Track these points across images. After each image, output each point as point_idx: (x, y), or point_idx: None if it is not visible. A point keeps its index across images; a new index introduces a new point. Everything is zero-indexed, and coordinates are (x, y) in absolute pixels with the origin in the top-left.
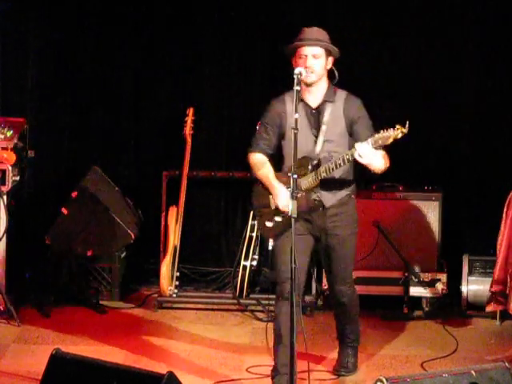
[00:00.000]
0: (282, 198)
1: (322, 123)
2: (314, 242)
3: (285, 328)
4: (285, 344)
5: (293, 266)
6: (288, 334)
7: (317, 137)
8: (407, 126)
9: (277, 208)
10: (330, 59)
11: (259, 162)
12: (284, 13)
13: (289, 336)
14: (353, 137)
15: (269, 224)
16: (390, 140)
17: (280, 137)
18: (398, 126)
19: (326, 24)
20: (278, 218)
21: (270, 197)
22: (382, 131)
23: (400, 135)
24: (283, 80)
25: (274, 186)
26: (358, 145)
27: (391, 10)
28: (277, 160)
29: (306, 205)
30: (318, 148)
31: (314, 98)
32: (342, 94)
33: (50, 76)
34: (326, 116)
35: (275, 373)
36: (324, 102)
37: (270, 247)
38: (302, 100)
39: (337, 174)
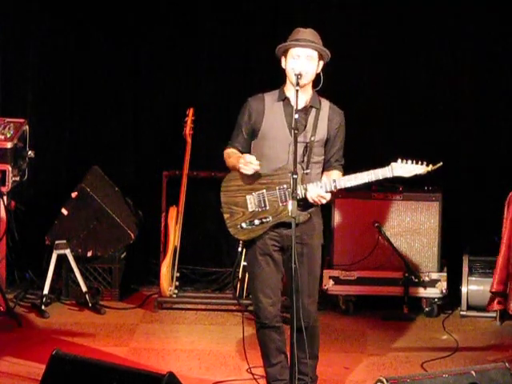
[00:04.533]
0: (245, 155)
1: (304, 127)
2: (283, 254)
3: (269, 350)
4: (272, 363)
5: (293, 265)
6: (273, 354)
7: (296, 139)
8: (437, 166)
9: (253, 211)
10: (321, 63)
11: (231, 151)
12: (284, 13)
13: (275, 356)
14: (325, 148)
15: (244, 225)
16: (412, 174)
17: (253, 134)
18: (426, 166)
19: (325, 24)
20: (257, 222)
21: (247, 197)
22: (404, 162)
23: (423, 172)
24: (283, 80)
25: (239, 155)
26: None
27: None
28: None
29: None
30: (297, 151)
31: (298, 100)
32: (326, 103)
33: (49, 76)
34: (310, 121)
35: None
36: (309, 106)
37: (240, 249)
38: (285, 98)
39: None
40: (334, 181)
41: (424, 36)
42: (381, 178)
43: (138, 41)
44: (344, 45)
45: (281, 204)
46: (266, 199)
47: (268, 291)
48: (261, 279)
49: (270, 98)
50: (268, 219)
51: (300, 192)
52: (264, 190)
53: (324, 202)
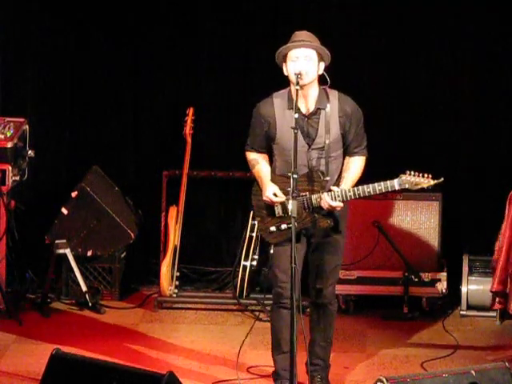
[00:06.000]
0: (268, 189)
1: (316, 131)
2: (307, 241)
3: (282, 335)
4: (283, 350)
5: (293, 265)
6: (286, 341)
7: (310, 145)
8: (439, 180)
9: (280, 216)
10: (322, 64)
11: (254, 159)
12: (284, 13)
13: (287, 343)
14: (343, 138)
15: (273, 229)
16: (418, 187)
17: (269, 140)
18: (430, 180)
19: (325, 24)
20: (283, 226)
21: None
22: (411, 174)
23: (428, 186)
24: (284, 80)
25: (264, 183)
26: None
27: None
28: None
29: (312, 222)
30: (313, 156)
31: (306, 103)
32: (334, 96)
33: (49, 76)
34: (321, 124)
35: (276, 377)
36: (317, 109)
37: (272, 251)
38: (294, 107)
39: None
40: (346, 192)
41: (424, 36)
42: (390, 190)
43: (137, 41)
44: (344, 45)
45: (304, 211)
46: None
47: (289, 271)
48: (284, 259)
49: (278, 102)
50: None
51: (315, 201)
52: (289, 196)
53: (338, 209)
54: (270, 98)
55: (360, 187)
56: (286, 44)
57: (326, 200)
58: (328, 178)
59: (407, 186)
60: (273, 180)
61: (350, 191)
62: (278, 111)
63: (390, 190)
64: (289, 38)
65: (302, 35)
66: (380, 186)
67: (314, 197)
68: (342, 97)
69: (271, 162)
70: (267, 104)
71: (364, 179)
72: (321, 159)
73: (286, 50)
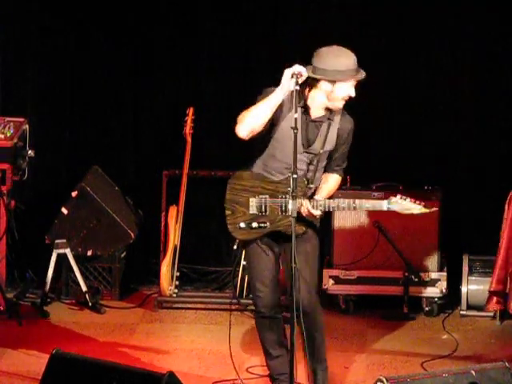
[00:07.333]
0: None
1: (316, 136)
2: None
3: (268, 342)
4: (273, 356)
5: (293, 265)
6: (273, 346)
7: (305, 148)
8: (432, 210)
9: (253, 214)
10: None
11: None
12: (284, 13)
13: (275, 348)
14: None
15: (243, 225)
16: (408, 213)
17: (269, 127)
18: (422, 207)
19: (325, 24)
20: (254, 224)
21: (251, 199)
22: (403, 198)
23: (419, 213)
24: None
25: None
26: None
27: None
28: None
29: (285, 226)
30: (303, 159)
31: (314, 108)
32: (339, 110)
33: (49, 76)
34: (322, 131)
35: (273, 380)
36: (326, 118)
37: (236, 247)
38: (304, 106)
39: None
40: (330, 203)
41: (424, 36)
42: (377, 209)
43: (137, 41)
44: (344, 45)
45: (280, 213)
46: (268, 205)
47: (266, 280)
48: (259, 268)
49: (287, 96)
50: (266, 225)
51: (294, 206)
52: (267, 196)
53: (317, 217)
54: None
55: (346, 201)
56: (325, 56)
57: (308, 207)
58: (312, 186)
59: (396, 209)
60: (248, 177)
61: (333, 203)
62: (286, 103)
63: (376, 209)
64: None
65: (352, 59)
66: (368, 204)
67: (294, 202)
68: (345, 114)
69: (248, 160)
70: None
71: (364, 179)
72: (310, 165)
73: (342, 78)
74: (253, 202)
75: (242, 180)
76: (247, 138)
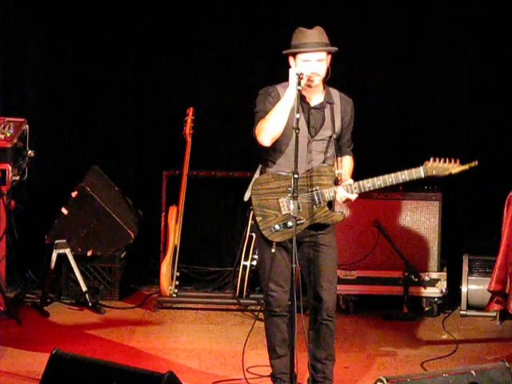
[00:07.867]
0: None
1: (322, 122)
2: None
3: (275, 340)
4: (278, 354)
5: (293, 265)
6: (280, 345)
7: (312, 136)
8: (472, 165)
9: (287, 214)
10: (329, 57)
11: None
12: (285, 12)
13: (281, 347)
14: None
15: (277, 227)
16: (446, 173)
17: None
18: (460, 165)
19: (325, 24)
20: (290, 224)
21: (280, 200)
22: (437, 160)
23: (457, 171)
24: (284, 80)
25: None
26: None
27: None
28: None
29: (324, 216)
30: (313, 149)
31: (313, 96)
32: (335, 94)
33: (50, 76)
34: (327, 117)
35: (274, 379)
36: (326, 103)
37: (273, 250)
38: (300, 96)
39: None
40: (364, 183)
41: (424, 36)
42: (415, 178)
43: (137, 41)
44: (344, 45)
45: (314, 206)
46: (300, 202)
47: (280, 280)
48: (273, 268)
49: (283, 91)
50: (302, 221)
51: (328, 195)
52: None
53: (353, 200)
54: (273, 87)
55: (381, 177)
56: (293, 39)
57: (343, 193)
58: (339, 171)
59: (434, 173)
60: (268, 179)
61: (368, 182)
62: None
63: (414, 178)
64: (290, 31)
65: (313, 35)
66: (404, 175)
67: (327, 191)
68: (343, 95)
69: (261, 162)
70: (272, 89)
71: (364, 179)
72: (327, 153)
73: (297, 52)
74: (283, 202)
75: (263, 184)
76: (270, 145)
